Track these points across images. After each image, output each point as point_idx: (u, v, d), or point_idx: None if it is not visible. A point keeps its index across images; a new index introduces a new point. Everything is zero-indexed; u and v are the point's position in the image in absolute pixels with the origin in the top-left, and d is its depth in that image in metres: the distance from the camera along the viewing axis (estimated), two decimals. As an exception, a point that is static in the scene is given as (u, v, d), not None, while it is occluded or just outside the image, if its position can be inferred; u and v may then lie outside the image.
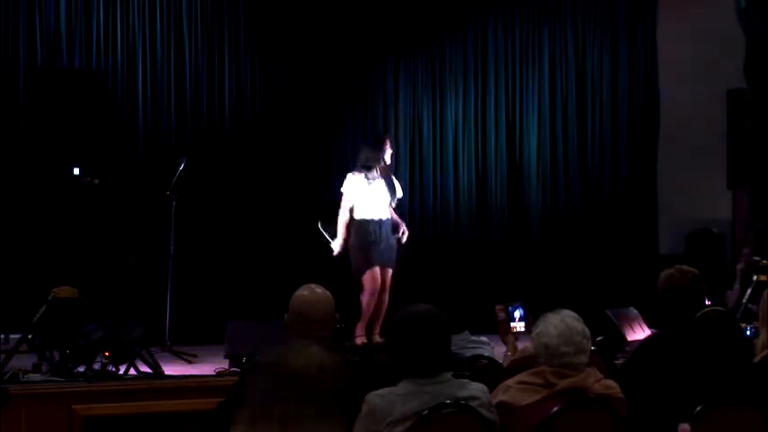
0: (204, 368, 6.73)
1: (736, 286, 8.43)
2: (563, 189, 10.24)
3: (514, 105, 10.18)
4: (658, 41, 10.47)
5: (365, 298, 7.80)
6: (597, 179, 10.34)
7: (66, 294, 6.23)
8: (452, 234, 9.94)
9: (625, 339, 6.96)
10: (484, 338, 5.25)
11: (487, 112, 10.10)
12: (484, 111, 10.10)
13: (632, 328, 7.15)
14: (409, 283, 8.35)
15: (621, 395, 3.75)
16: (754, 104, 9.45)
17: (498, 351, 5.36)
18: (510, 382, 3.76)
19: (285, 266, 8.90)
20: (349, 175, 7.96)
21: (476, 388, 3.58)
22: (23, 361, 6.18)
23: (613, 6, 10.45)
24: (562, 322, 3.72)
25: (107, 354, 6.14)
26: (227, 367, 6.47)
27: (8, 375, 5.76)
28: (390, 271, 7.99)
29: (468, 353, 4.94)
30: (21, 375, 5.87)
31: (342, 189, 7.94)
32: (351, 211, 7.90)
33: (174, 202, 7.68)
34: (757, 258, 8.17)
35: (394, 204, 8.09)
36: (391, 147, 8.14)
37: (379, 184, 7.94)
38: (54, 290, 6.25)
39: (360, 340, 7.77)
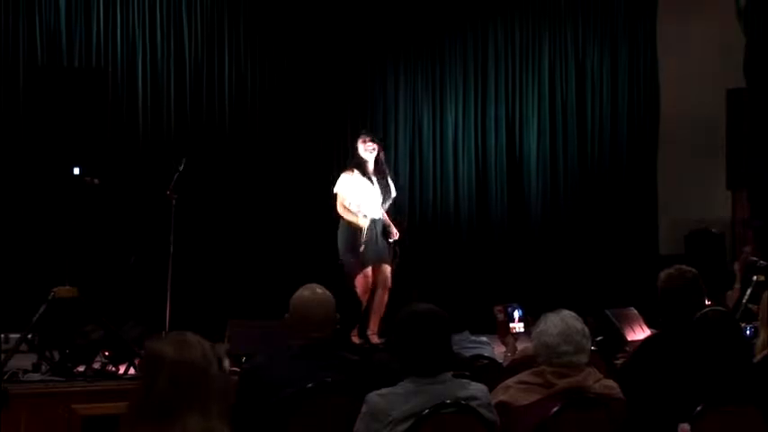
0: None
1: (736, 286, 8.42)
2: (563, 189, 10.24)
3: (514, 105, 10.18)
4: (658, 41, 10.47)
5: (359, 296, 7.81)
6: (597, 179, 10.34)
7: (66, 294, 6.22)
8: (452, 233, 9.94)
9: (625, 339, 6.96)
10: (484, 338, 5.26)
11: (487, 111, 10.10)
12: (484, 110, 10.10)
13: (632, 328, 7.15)
14: (409, 282, 8.36)
15: (621, 395, 3.76)
16: (754, 104, 9.45)
17: (498, 351, 5.36)
18: (510, 381, 3.77)
19: (285, 266, 8.90)
20: (342, 175, 7.98)
21: (476, 388, 3.58)
22: (23, 361, 6.16)
23: (613, 7, 10.45)
24: (562, 321, 3.73)
25: (107, 353, 6.14)
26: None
27: (8, 375, 5.75)
28: (388, 267, 7.99)
29: (469, 353, 4.95)
30: (20, 375, 5.86)
31: (335, 189, 7.95)
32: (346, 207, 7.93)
33: (173, 202, 7.68)
34: (755, 258, 8.16)
35: (386, 206, 8.08)
36: (371, 144, 8.00)
37: (372, 183, 7.93)
38: (54, 289, 6.25)
39: (353, 340, 7.77)
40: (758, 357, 4.39)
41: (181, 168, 7.67)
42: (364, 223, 7.86)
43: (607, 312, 7.16)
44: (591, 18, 10.40)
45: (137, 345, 6.27)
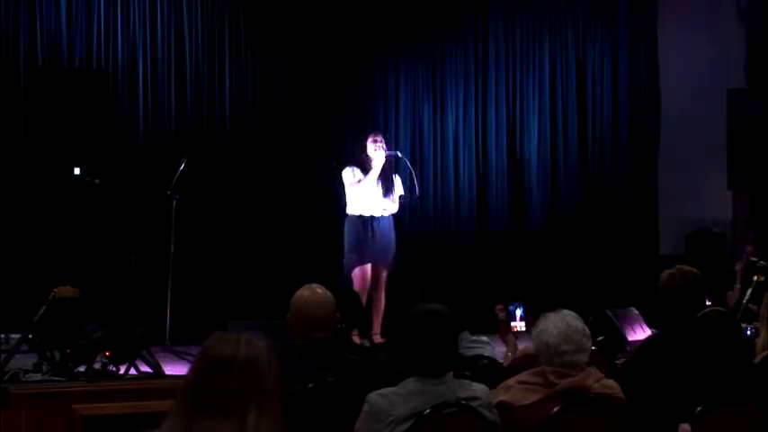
0: (205, 368, 6.71)
1: (737, 286, 8.42)
2: (563, 189, 10.24)
3: (515, 105, 10.19)
4: (658, 41, 10.47)
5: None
6: (598, 179, 10.34)
7: (67, 294, 6.23)
8: (452, 233, 9.94)
9: (625, 339, 6.96)
10: (484, 338, 5.25)
11: (488, 111, 10.10)
12: (484, 110, 10.10)
13: (633, 329, 7.15)
14: (411, 283, 8.35)
15: (621, 395, 3.75)
16: (754, 104, 9.46)
17: (498, 351, 5.36)
18: (510, 381, 3.77)
19: (285, 266, 8.91)
20: (345, 170, 7.99)
21: (477, 388, 3.58)
22: (24, 361, 6.17)
23: (613, 6, 10.45)
24: (562, 321, 3.73)
25: (107, 353, 6.13)
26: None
27: (8, 375, 5.75)
28: (385, 272, 7.99)
29: (469, 353, 4.94)
30: (21, 375, 5.86)
31: (345, 180, 7.93)
32: (346, 205, 7.93)
33: (174, 202, 7.68)
34: (754, 259, 8.16)
35: (394, 204, 8.05)
36: (377, 143, 8.00)
37: (374, 180, 7.92)
38: (55, 289, 6.25)
39: (354, 340, 7.75)
40: (758, 358, 4.39)
41: (181, 168, 7.68)
42: (376, 166, 7.82)
43: (608, 312, 7.16)
44: (591, 18, 10.40)
45: (137, 345, 6.27)
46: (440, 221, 9.92)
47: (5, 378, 5.69)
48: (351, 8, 9.59)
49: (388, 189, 7.99)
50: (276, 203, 9.24)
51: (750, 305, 7.50)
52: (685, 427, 3.71)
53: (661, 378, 4.08)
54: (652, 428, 3.97)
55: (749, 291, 7.79)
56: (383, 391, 3.47)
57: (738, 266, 8.54)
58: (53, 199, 7.17)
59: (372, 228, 7.90)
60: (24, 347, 6.28)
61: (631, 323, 7.23)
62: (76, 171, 6.44)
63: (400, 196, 8.14)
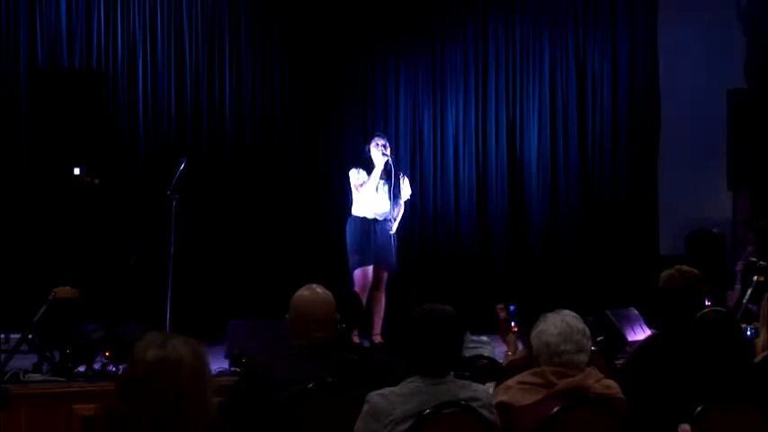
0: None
1: (737, 287, 8.43)
2: (563, 189, 10.23)
3: (515, 105, 10.18)
4: (658, 41, 10.46)
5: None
6: (597, 179, 10.33)
7: (67, 294, 6.24)
8: (452, 233, 9.93)
9: (625, 339, 6.97)
10: (484, 338, 5.25)
11: (488, 111, 10.09)
12: (484, 110, 10.09)
13: (632, 329, 7.16)
14: (409, 282, 8.36)
15: (621, 395, 3.75)
16: (754, 104, 9.45)
17: (498, 351, 5.36)
18: (510, 381, 3.77)
19: (285, 266, 8.91)
20: (351, 171, 8.01)
21: (478, 389, 3.59)
22: (24, 361, 6.18)
23: (613, 6, 10.44)
24: (562, 321, 3.73)
25: (107, 354, 6.14)
26: (227, 367, 6.47)
27: (8, 375, 5.76)
28: (386, 274, 8.00)
29: (469, 353, 4.94)
30: (21, 375, 5.86)
31: (351, 182, 7.95)
32: (351, 205, 7.95)
33: (173, 202, 7.68)
34: (755, 259, 8.16)
35: (398, 208, 8.06)
36: (383, 146, 8.02)
37: (379, 183, 7.94)
38: (54, 290, 6.25)
39: (354, 340, 7.76)
40: (758, 358, 4.39)
41: (181, 168, 7.68)
42: (376, 169, 7.86)
43: (607, 312, 7.17)
44: (591, 18, 10.39)
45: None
46: (440, 221, 9.91)
47: (5, 378, 5.70)
48: (351, 8, 9.59)
49: (393, 193, 8.00)
50: (276, 203, 9.24)
51: (750, 305, 7.50)
52: (685, 427, 3.71)
53: (661, 378, 4.09)
54: (652, 428, 3.97)
55: (749, 291, 7.79)
56: (383, 390, 3.48)
57: (738, 267, 8.55)
58: (53, 199, 7.18)
59: (375, 230, 7.92)
60: (24, 347, 6.29)
61: (631, 323, 7.24)
62: (76, 171, 6.45)
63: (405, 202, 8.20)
